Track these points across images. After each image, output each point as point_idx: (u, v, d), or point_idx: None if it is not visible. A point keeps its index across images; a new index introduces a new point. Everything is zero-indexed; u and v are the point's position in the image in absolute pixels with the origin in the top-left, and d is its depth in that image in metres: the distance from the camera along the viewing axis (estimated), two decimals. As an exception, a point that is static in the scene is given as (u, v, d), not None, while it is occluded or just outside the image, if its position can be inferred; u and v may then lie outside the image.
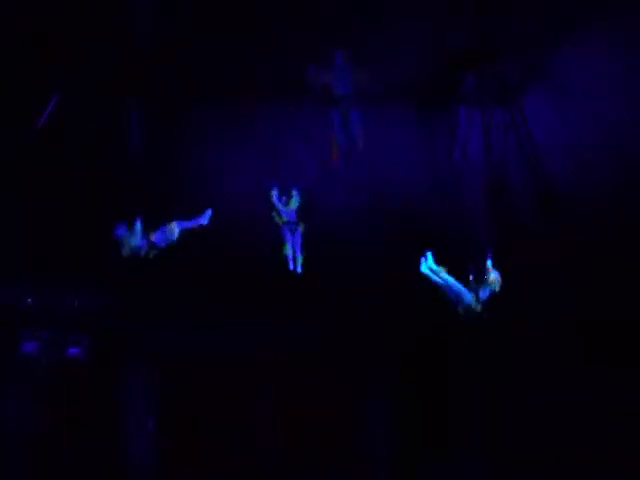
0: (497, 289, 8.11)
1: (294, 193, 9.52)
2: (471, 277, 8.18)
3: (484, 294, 8.04)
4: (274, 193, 9.51)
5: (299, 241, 9.55)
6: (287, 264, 9.52)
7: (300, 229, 9.54)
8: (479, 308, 7.97)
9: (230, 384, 11.26)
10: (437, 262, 8.31)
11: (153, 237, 8.29)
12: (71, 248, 9.85)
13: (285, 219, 9.51)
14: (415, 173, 10.22)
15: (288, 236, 9.53)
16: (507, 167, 9.70)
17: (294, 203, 9.53)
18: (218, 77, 9.57)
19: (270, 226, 9.59)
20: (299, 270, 9.54)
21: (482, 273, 8.19)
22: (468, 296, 7.95)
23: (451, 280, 8.07)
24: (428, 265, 8.18)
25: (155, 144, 9.66)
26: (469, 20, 8.80)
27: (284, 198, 9.52)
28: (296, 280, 10.33)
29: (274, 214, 9.49)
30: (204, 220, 8.74)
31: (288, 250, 9.51)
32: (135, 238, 8.16)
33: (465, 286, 8.07)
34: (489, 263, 8.31)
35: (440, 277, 8.09)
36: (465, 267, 8.25)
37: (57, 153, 9.36)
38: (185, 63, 9.33)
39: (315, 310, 11.13)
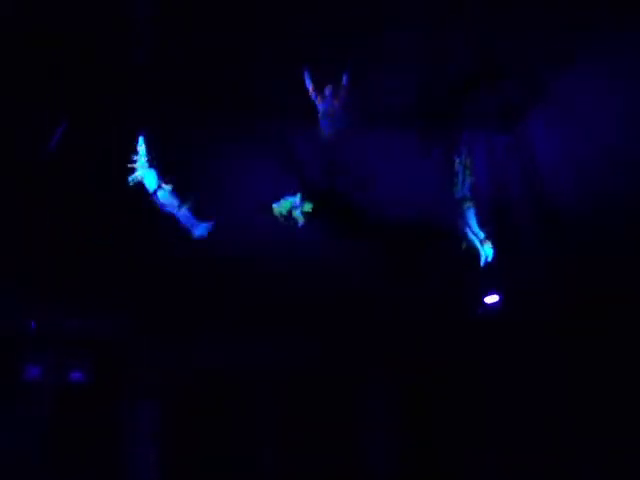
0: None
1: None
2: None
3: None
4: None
5: None
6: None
7: None
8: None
9: (232, 404, 11.34)
10: None
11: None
12: (75, 271, 9.86)
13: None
14: (417, 194, 10.24)
15: None
16: (510, 187, 9.71)
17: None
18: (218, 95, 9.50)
19: (275, 242, 9.62)
20: None
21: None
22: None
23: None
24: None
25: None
26: (470, 42, 8.76)
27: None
28: (295, 294, 10.40)
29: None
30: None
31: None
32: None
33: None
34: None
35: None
36: None
37: (63, 175, 9.34)
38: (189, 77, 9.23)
39: (314, 322, 11.17)
